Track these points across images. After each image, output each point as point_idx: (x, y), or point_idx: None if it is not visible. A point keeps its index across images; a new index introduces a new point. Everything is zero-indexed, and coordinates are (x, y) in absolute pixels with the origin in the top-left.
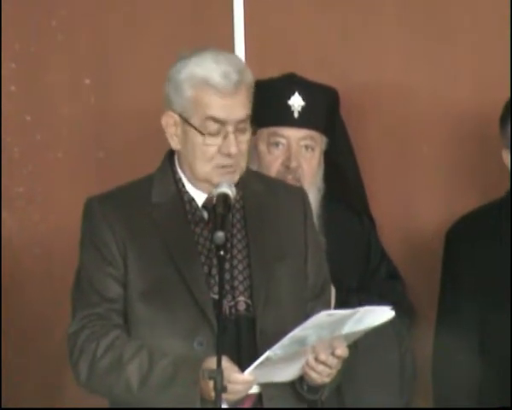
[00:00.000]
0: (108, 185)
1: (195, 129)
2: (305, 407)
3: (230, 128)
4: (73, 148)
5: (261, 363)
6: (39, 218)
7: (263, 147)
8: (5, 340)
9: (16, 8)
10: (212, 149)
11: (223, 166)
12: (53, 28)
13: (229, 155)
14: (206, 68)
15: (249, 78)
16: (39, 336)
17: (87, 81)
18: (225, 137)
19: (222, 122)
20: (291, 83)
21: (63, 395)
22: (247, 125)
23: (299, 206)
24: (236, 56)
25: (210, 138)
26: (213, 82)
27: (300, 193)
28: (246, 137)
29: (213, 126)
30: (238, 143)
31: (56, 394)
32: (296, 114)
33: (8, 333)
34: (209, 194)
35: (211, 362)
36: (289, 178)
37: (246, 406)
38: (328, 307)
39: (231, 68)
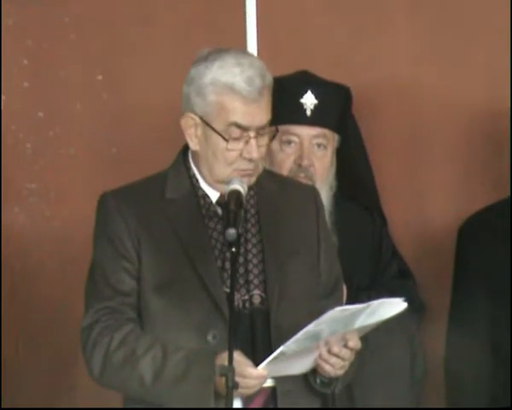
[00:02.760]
0: (121, 181)
1: (219, 134)
2: (319, 400)
3: (252, 134)
4: (86, 144)
5: (275, 358)
6: (51, 214)
7: (275, 145)
8: (16, 335)
9: (29, 4)
10: (234, 154)
11: (242, 170)
12: (66, 25)
13: (250, 160)
14: (230, 73)
15: (270, 80)
16: (51, 331)
17: (99, 77)
18: (247, 142)
19: (245, 128)
20: (304, 81)
21: (73, 390)
22: (267, 129)
23: (311, 204)
24: (256, 58)
25: (232, 143)
26: (238, 88)
27: (312, 191)
28: (265, 141)
29: (236, 132)
30: (258, 147)
31: (66, 387)
32: (309, 112)
33: (20, 328)
34: (222, 191)
35: (224, 358)
36: (301, 177)
37: (259, 399)
38: (340, 304)
39: (254, 72)
